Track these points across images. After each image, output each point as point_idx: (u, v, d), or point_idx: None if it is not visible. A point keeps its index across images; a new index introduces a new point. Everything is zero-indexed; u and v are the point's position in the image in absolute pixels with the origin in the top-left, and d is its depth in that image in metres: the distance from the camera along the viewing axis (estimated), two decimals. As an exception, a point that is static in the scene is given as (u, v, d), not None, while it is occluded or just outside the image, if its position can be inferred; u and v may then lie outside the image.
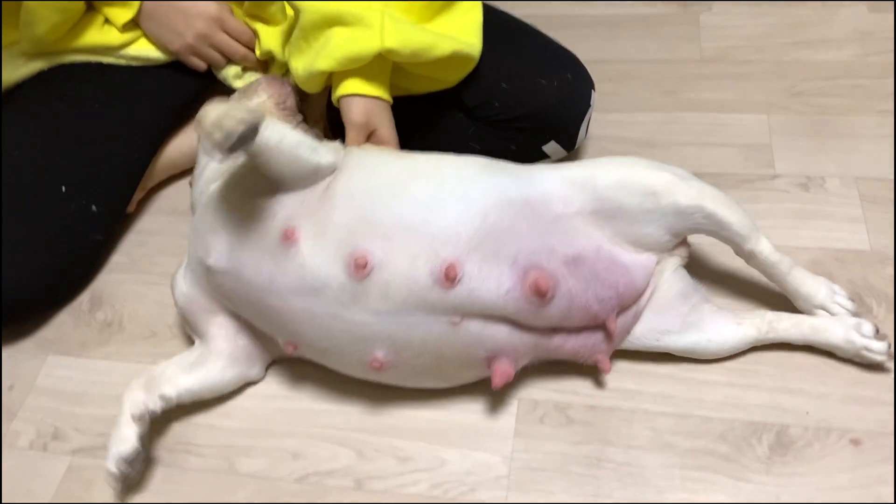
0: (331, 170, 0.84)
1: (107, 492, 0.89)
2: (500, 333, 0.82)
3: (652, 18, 1.40)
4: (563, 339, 0.86)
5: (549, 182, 0.85)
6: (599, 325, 0.86)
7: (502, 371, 0.83)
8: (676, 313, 0.88)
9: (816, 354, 0.89)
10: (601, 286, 0.83)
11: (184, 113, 1.21)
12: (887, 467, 0.80)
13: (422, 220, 0.79)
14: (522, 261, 0.79)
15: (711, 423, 0.86)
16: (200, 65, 1.13)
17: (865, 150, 1.11)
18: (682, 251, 0.90)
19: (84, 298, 1.11)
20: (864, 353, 0.86)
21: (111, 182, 1.09)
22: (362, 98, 0.94)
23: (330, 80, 0.97)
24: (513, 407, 0.91)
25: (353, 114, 0.94)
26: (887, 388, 0.86)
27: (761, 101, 1.21)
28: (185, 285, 0.92)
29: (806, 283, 0.89)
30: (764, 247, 0.87)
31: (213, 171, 0.93)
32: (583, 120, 1.07)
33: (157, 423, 0.94)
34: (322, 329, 0.82)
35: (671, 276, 0.89)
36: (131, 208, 1.17)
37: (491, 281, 0.78)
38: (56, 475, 0.92)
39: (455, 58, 0.98)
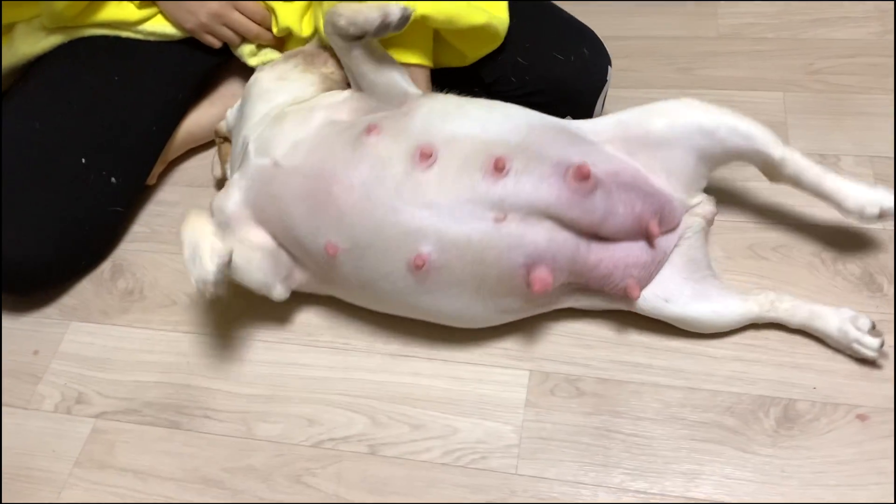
0: (414, 98, 0.93)
1: (129, 454, 0.92)
2: (541, 237, 0.84)
3: (670, -6, 1.39)
4: (602, 252, 0.87)
5: (579, 122, 0.94)
6: (641, 234, 0.88)
7: (541, 278, 0.84)
8: (688, 280, 0.90)
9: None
10: (643, 195, 0.88)
11: (202, 87, 1.23)
12: (892, 442, 0.81)
13: (479, 129, 0.87)
14: (565, 162, 0.85)
15: (719, 397, 0.87)
16: (215, 42, 1.14)
17: (881, 128, 1.11)
18: (707, 209, 0.93)
19: (105, 267, 1.13)
20: (856, 346, 0.86)
21: (131, 154, 1.11)
22: (403, 66, 0.97)
23: None
24: (524, 379, 0.92)
25: None
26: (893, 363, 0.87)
27: (777, 78, 1.21)
28: (232, 200, 0.94)
29: (845, 185, 0.90)
30: (794, 152, 0.89)
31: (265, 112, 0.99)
32: (599, 95, 1.07)
33: (177, 389, 0.97)
34: (374, 221, 0.85)
35: (690, 240, 0.91)
36: (152, 181, 1.19)
37: (535, 174, 0.84)
38: (80, 437, 0.95)
39: (485, 30, 0.99)
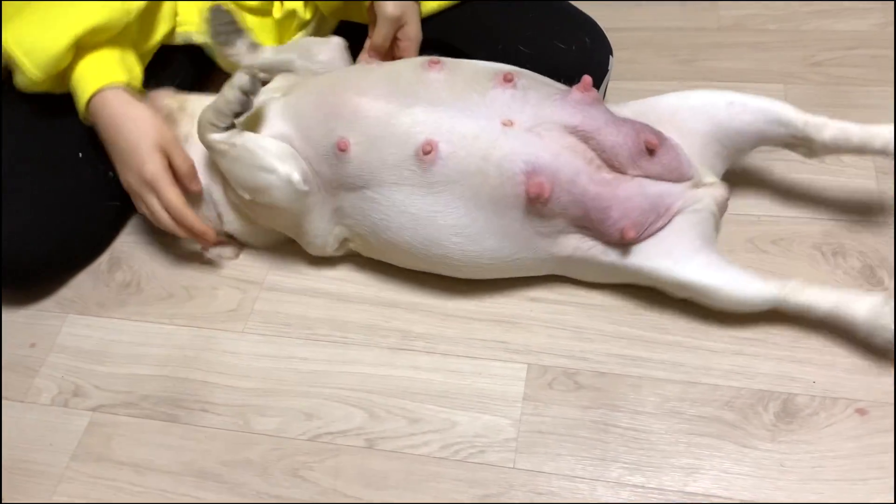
0: None
1: (126, 447, 0.92)
2: (545, 151, 0.86)
3: (671, -15, 1.38)
4: (604, 186, 0.87)
5: None
6: (642, 151, 0.88)
7: (538, 183, 0.85)
8: (699, 249, 0.89)
9: (825, 325, 0.90)
10: (647, 126, 0.90)
11: (198, 86, 1.22)
12: (891, 437, 0.81)
13: (485, 61, 0.95)
14: (567, 90, 0.91)
15: (718, 391, 0.87)
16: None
17: (883, 120, 1.07)
18: (719, 192, 0.91)
19: (103, 259, 1.13)
20: (885, 332, 0.82)
21: None
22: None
23: None
24: (522, 372, 0.92)
25: (388, 7, 1.01)
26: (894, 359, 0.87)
27: (779, 70, 1.20)
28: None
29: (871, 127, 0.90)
30: (819, 116, 0.89)
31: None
32: (601, 85, 1.06)
33: (175, 382, 0.97)
34: (387, 113, 0.89)
35: (700, 213, 0.90)
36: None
37: (541, 91, 0.90)
38: (77, 430, 0.94)
39: None
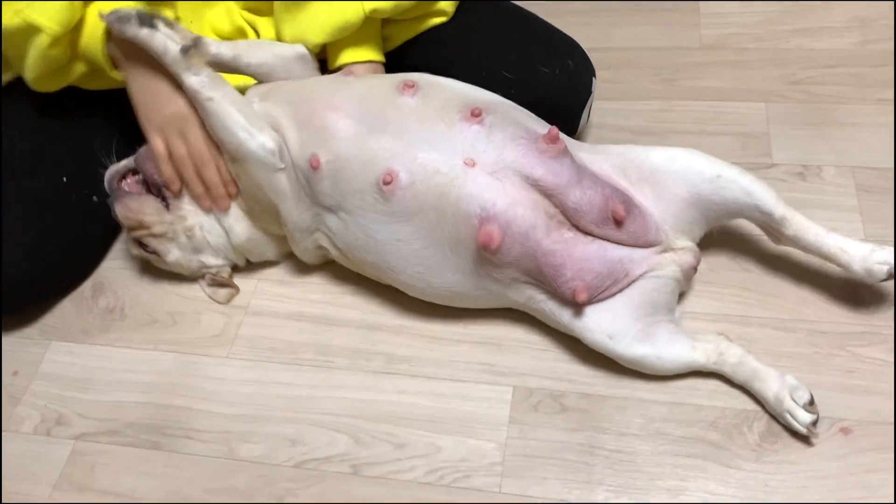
0: None
1: (109, 476, 0.91)
2: (502, 198, 0.84)
3: (652, 6, 1.39)
4: (560, 243, 0.86)
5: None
6: (607, 218, 0.86)
7: (488, 232, 0.84)
8: (638, 320, 0.87)
9: (809, 343, 0.90)
10: (616, 190, 0.88)
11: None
12: (876, 456, 0.81)
13: (460, 85, 0.95)
14: (536, 133, 0.88)
15: (703, 411, 0.87)
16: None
17: (863, 138, 1.11)
18: (686, 258, 0.90)
19: (87, 285, 1.12)
20: (787, 416, 0.83)
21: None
22: (358, 65, 1.02)
23: (324, 51, 1.04)
24: (507, 395, 0.92)
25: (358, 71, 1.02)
26: (877, 377, 0.87)
27: (760, 89, 1.21)
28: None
29: (848, 245, 0.87)
30: (795, 213, 0.89)
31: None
32: (584, 106, 1.07)
33: (159, 409, 0.96)
34: (356, 136, 0.90)
35: (658, 281, 0.88)
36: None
37: (508, 132, 0.87)
38: (60, 459, 0.94)
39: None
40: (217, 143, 0.96)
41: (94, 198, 1.04)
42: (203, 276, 1.08)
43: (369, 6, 0.98)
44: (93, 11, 0.94)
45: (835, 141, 1.11)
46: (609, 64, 1.27)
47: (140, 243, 1.04)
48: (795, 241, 0.90)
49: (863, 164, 1.08)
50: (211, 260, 1.06)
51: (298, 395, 0.95)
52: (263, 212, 1.00)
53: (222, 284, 1.08)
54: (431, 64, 1.07)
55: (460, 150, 0.86)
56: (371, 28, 1.03)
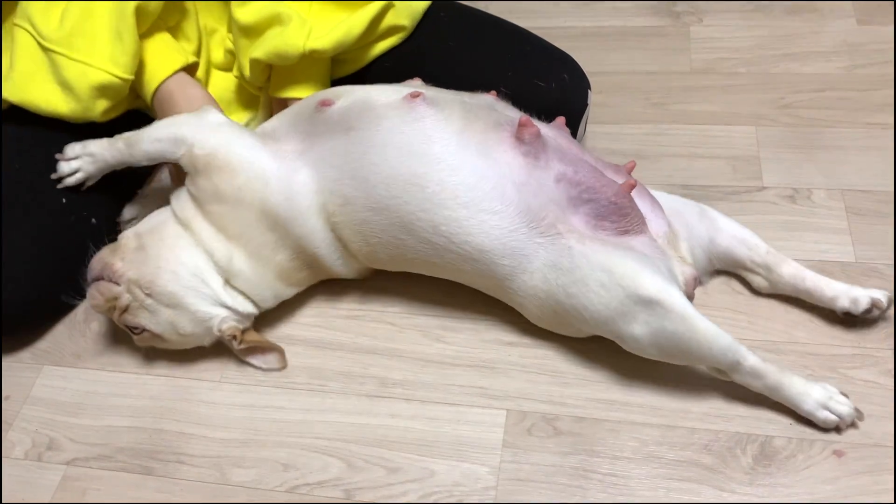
0: None
1: (101, 502, 0.90)
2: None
3: (643, 31, 1.41)
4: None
5: None
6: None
7: (525, 119, 0.89)
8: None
9: (801, 366, 0.91)
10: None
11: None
12: (869, 478, 0.81)
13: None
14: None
15: (697, 434, 0.87)
16: None
17: (852, 161, 1.12)
18: (690, 270, 0.91)
19: (80, 309, 1.11)
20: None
21: (111, 196, 1.10)
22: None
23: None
24: (501, 418, 0.92)
25: None
26: (869, 400, 0.87)
27: (749, 112, 1.22)
28: None
29: (829, 286, 0.92)
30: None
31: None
32: (581, 119, 1.08)
33: (150, 434, 0.96)
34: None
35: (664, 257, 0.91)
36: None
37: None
38: (51, 485, 0.93)
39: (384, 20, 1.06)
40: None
41: (93, 220, 1.04)
42: (227, 339, 0.97)
43: (310, 45, 1.00)
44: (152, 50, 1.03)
45: (824, 164, 1.12)
46: (601, 88, 1.29)
47: (129, 329, 0.97)
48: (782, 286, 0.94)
49: (852, 186, 1.09)
50: (202, 306, 0.95)
51: (291, 419, 0.95)
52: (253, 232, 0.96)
53: (256, 348, 0.99)
54: (430, 81, 1.08)
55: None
56: (318, 67, 1.05)
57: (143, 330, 0.96)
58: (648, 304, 0.81)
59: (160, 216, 0.99)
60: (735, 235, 0.96)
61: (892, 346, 0.91)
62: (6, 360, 1.07)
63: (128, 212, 1.15)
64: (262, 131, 1.00)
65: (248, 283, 0.96)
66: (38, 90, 1.02)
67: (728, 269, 0.99)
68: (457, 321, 1.01)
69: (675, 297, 0.81)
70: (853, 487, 0.81)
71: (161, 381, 1.01)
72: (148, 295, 0.94)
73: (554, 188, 0.88)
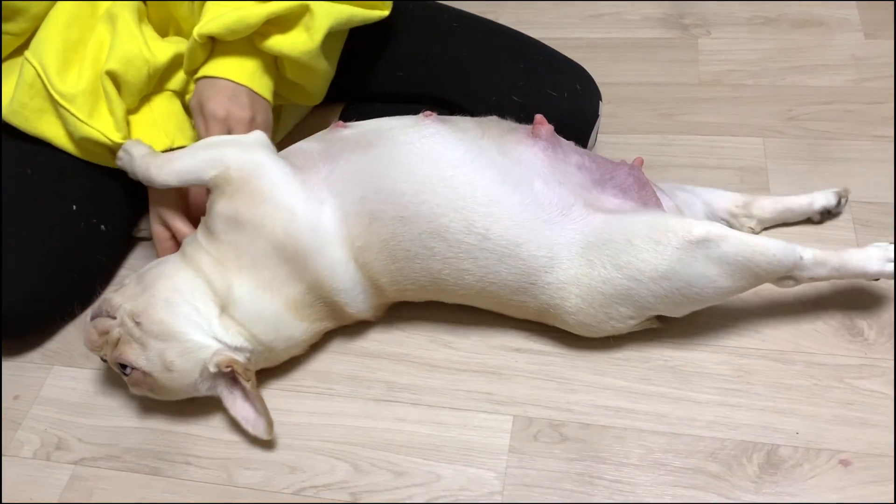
0: None
1: (108, 501, 0.91)
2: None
3: (652, 42, 1.42)
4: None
5: None
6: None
7: (539, 118, 0.93)
8: None
9: (807, 375, 0.91)
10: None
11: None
12: (876, 488, 0.81)
13: None
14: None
15: (703, 442, 0.87)
16: None
17: (859, 173, 1.13)
18: None
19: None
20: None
21: (120, 204, 1.11)
22: (217, 81, 0.98)
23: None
24: (507, 424, 0.92)
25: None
26: (875, 409, 0.87)
27: (757, 124, 1.23)
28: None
29: (802, 197, 1.05)
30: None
31: None
32: (592, 128, 1.09)
33: (158, 435, 0.96)
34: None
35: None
36: (138, 232, 1.19)
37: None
38: (59, 485, 0.93)
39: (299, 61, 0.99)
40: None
41: (103, 227, 1.05)
42: (222, 370, 0.90)
43: (199, 30, 0.95)
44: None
45: (831, 176, 1.13)
46: (609, 99, 1.29)
47: (121, 367, 0.92)
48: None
49: (859, 198, 1.09)
50: (193, 335, 0.89)
51: (298, 421, 0.96)
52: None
53: (249, 397, 0.92)
54: (442, 94, 1.10)
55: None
56: (243, 46, 0.98)
57: (133, 368, 0.90)
58: (702, 242, 0.83)
59: (165, 260, 0.97)
60: (715, 194, 1.04)
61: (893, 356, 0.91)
62: (17, 361, 1.08)
63: (145, 224, 1.16)
64: (284, 155, 0.97)
65: (248, 313, 0.91)
66: (47, 126, 1.04)
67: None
68: (464, 327, 1.02)
69: (722, 228, 0.84)
70: (859, 496, 0.81)
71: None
72: (138, 324, 0.89)
73: (578, 174, 0.92)
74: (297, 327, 0.94)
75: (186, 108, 1.07)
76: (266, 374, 1.00)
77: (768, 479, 0.83)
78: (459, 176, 0.88)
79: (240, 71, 0.97)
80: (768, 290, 0.99)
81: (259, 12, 0.94)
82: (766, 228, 1.05)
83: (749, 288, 0.88)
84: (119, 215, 1.11)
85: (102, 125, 1.00)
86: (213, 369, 0.89)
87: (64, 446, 0.97)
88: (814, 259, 0.87)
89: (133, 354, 0.90)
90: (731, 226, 1.01)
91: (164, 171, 0.94)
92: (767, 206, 1.04)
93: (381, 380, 0.98)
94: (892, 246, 0.89)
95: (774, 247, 0.84)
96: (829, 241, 1.04)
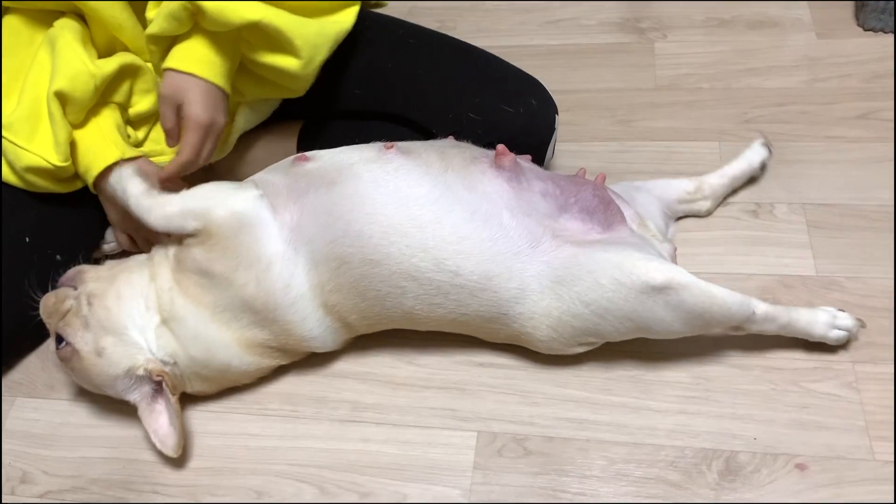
0: None
1: (74, 535, 0.91)
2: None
3: (609, 48, 1.43)
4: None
5: None
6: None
7: (502, 149, 0.93)
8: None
9: (764, 380, 0.92)
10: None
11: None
12: (832, 491, 0.83)
13: None
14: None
15: (663, 451, 0.89)
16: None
17: (813, 175, 1.14)
18: (668, 247, 0.97)
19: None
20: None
21: (75, 232, 1.10)
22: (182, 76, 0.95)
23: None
24: (472, 440, 0.93)
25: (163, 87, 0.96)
26: (830, 412, 0.89)
27: (713, 128, 1.24)
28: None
29: (739, 160, 1.11)
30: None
31: None
32: (549, 143, 1.10)
33: (124, 464, 0.96)
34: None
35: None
36: (98, 254, 1.18)
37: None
38: (24, 519, 0.93)
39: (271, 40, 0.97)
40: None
41: (58, 256, 1.04)
42: (153, 378, 0.93)
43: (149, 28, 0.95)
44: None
45: (786, 178, 1.15)
46: (567, 106, 1.30)
47: (58, 339, 0.95)
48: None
49: (813, 200, 1.11)
50: (131, 332, 0.92)
51: (264, 445, 0.96)
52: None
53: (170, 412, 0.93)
54: (400, 108, 1.09)
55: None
56: (199, 39, 0.96)
57: (67, 343, 0.93)
58: (664, 288, 0.84)
59: (137, 257, 1.01)
60: (666, 187, 1.09)
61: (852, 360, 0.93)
62: (-21, 393, 1.07)
63: (109, 236, 1.16)
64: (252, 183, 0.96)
65: (188, 334, 0.92)
66: None
67: (679, 214, 1.10)
68: (428, 343, 1.02)
69: (683, 275, 0.85)
70: (816, 500, 0.83)
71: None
72: (90, 305, 0.93)
73: (543, 203, 0.92)
74: (244, 361, 0.95)
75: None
76: (231, 398, 1.00)
77: (727, 485, 0.85)
78: (427, 215, 0.88)
79: (213, 71, 0.96)
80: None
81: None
82: (718, 205, 1.12)
83: (700, 333, 0.90)
84: (75, 243, 1.10)
85: (41, 149, 0.99)
86: (141, 373, 0.92)
87: (29, 479, 0.97)
88: (765, 315, 0.88)
89: (73, 330, 0.93)
90: (688, 212, 1.10)
91: (153, 214, 0.93)
92: (715, 182, 1.10)
93: (347, 400, 0.99)
94: (841, 312, 0.92)
95: (731, 301, 0.86)
96: (783, 245, 1.06)
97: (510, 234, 0.88)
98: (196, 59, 0.95)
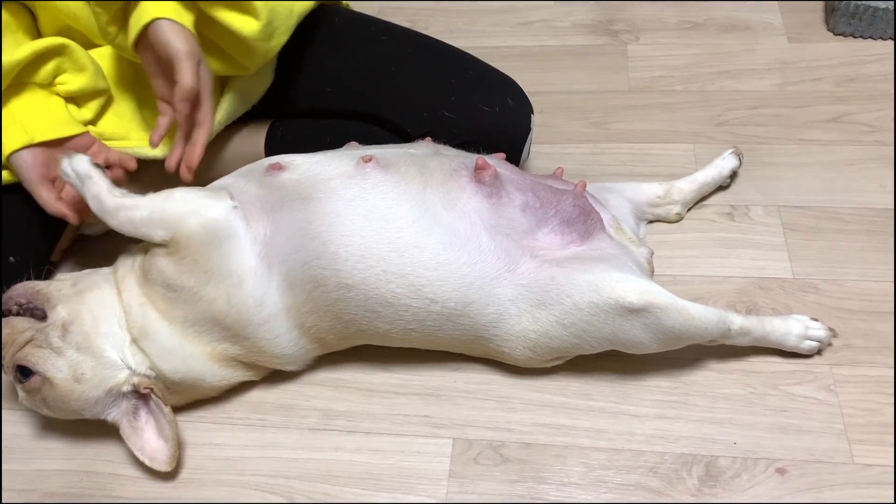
0: None
1: (28, 553, 0.86)
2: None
3: (582, 50, 1.42)
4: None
5: None
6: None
7: (482, 163, 0.89)
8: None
9: (743, 384, 0.91)
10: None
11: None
12: (811, 495, 0.82)
13: None
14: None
15: (643, 457, 0.87)
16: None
17: (787, 177, 1.14)
18: (645, 250, 0.96)
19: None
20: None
21: (29, 233, 1.05)
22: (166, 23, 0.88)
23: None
24: (447, 447, 0.90)
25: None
26: (809, 416, 0.88)
27: (687, 130, 1.24)
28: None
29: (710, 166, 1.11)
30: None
31: None
32: (525, 141, 1.08)
33: (82, 477, 0.92)
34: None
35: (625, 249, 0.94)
36: (56, 257, 1.13)
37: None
38: (-26, 537, 0.88)
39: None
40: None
41: (12, 258, 1.00)
42: (142, 391, 0.89)
43: None
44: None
45: (760, 181, 1.14)
46: (541, 108, 1.28)
47: (20, 371, 0.87)
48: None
49: (788, 202, 1.10)
50: (109, 352, 0.88)
51: (230, 455, 0.92)
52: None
53: (159, 421, 0.90)
54: (374, 107, 1.07)
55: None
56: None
57: (35, 374, 0.86)
58: (641, 311, 0.83)
59: (99, 270, 0.94)
60: (636, 190, 1.08)
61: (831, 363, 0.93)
62: (-74, 404, 1.02)
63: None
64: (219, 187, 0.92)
65: (160, 350, 0.88)
66: None
67: (649, 218, 1.10)
68: (402, 348, 0.99)
69: (662, 295, 0.84)
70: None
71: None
72: (66, 332, 0.87)
73: (522, 218, 0.89)
74: (216, 374, 0.92)
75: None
76: (196, 406, 0.96)
77: (708, 491, 0.83)
78: (406, 238, 0.85)
79: (183, 19, 0.89)
80: (702, 298, 1.00)
81: None
82: (689, 209, 1.11)
83: (676, 348, 0.89)
84: (30, 244, 1.05)
85: None
86: (126, 389, 0.88)
87: (-21, 494, 0.92)
88: (740, 329, 0.89)
89: (41, 359, 0.86)
90: (658, 216, 1.09)
91: (119, 216, 0.87)
92: (685, 187, 1.09)
93: (317, 408, 0.95)
94: (814, 322, 0.93)
95: (708, 319, 0.85)
96: (758, 247, 1.05)
97: (488, 258, 0.86)
98: (165, 8, 0.88)
